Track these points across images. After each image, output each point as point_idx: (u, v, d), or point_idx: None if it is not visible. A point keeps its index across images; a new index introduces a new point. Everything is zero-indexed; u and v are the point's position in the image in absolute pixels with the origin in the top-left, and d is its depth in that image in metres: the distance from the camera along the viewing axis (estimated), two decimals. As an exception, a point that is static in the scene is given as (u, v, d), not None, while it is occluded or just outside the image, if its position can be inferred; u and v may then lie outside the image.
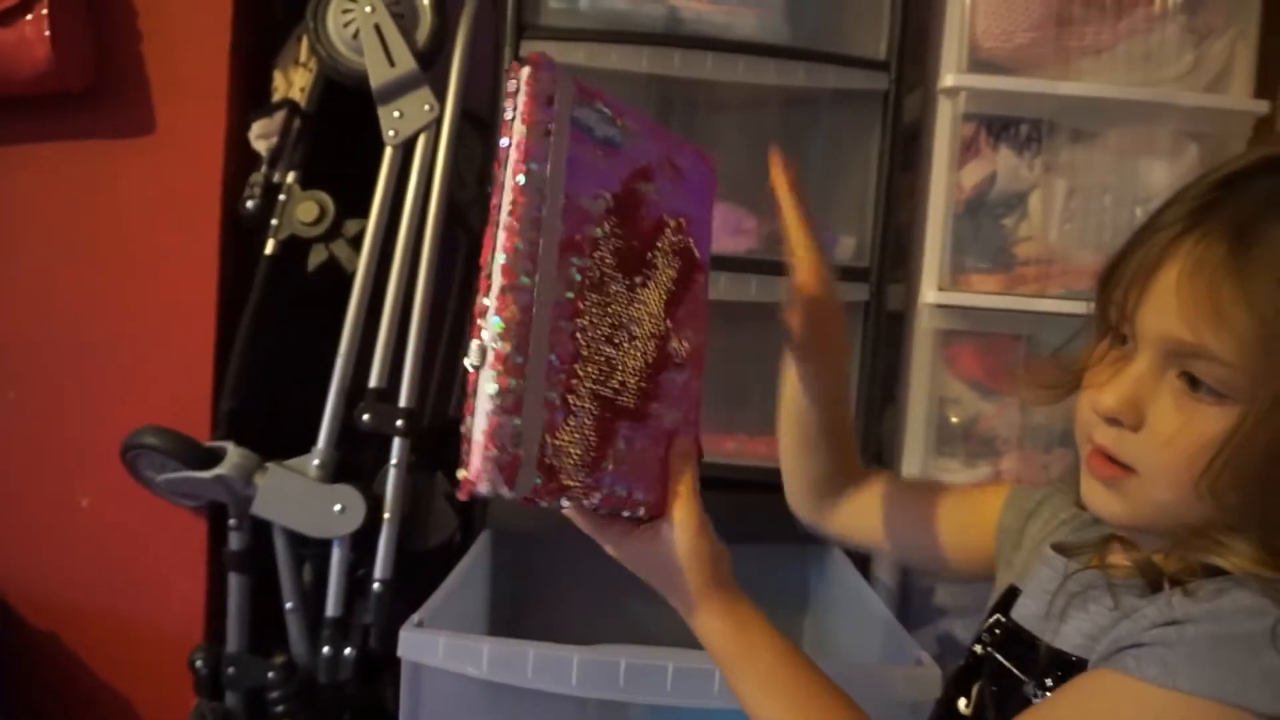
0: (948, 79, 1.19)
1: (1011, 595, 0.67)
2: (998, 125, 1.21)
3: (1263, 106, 1.21)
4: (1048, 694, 0.56)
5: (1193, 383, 0.50)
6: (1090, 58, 1.20)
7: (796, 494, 0.77)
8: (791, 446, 0.74)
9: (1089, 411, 0.55)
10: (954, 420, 1.21)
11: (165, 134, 1.21)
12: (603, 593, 1.31)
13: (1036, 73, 1.20)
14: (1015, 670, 0.60)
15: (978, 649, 0.66)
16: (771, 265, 1.19)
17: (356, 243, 1.19)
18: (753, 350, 1.25)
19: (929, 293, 1.20)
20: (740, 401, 1.24)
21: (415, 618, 0.89)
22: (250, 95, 1.25)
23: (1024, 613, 0.63)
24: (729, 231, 1.22)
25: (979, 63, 1.20)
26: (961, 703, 0.64)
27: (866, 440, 1.20)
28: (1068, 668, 0.55)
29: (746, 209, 1.22)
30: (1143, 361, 0.52)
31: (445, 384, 1.45)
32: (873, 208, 1.22)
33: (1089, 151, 1.20)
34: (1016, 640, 0.62)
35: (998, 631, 0.65)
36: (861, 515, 0.74)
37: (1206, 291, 0.49)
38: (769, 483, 1.18)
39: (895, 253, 1.23)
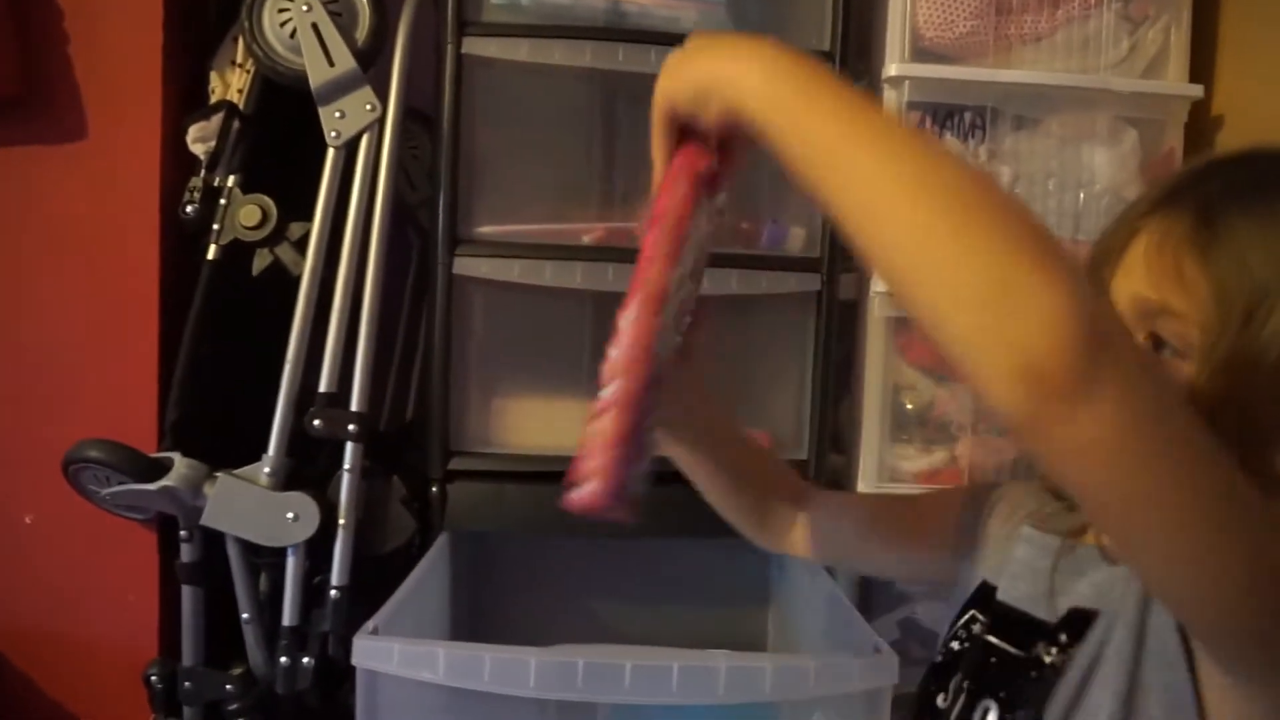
0: (891, 68, 1.20)
1: (984, 590, 0.67)
2: (942, 114, 1.22)
3: (1197, 90, 1.23)
4: (1061, 646, 0.57)
5: (1157, 344, 0.54)
6: (1030, 46, 1.22)
7: (744, 530, 0.78)
8: (712, 494, 0.74)
9: None
10: (909, 406, 1.22)
11: (98, 140, 1.18)
12: (565, 591, 1.31)
13: (978, 61, 1.22)
14: (1007, 645, 0.61)
15: (955, 645, 0.67)
16: (723, 258, 1.20)
17: (301, 246, 1.17)
18: (715, 346, 1.26)
19: (879, 281, 1.21)
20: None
21: (370, 625, 0.88)
22: (186, 98, 1.22)
23: (1015, 594, 0.63)
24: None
25: (921, 52, 1.21)
26: (940, 698, 0.65)
27: (823, 430, 1.21)
28: (1082, 618, 0.57)
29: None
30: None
31: (401, 387, 1.44)
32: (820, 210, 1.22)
33: (1031, 138, 1.22)
34: (1012, 623, 0.63)
35: (984, 620, 0.65)
36: (814, 534, 0.75)
37: (1171, 258, 0.53)
38: None
39: (846, 242, 1.23)
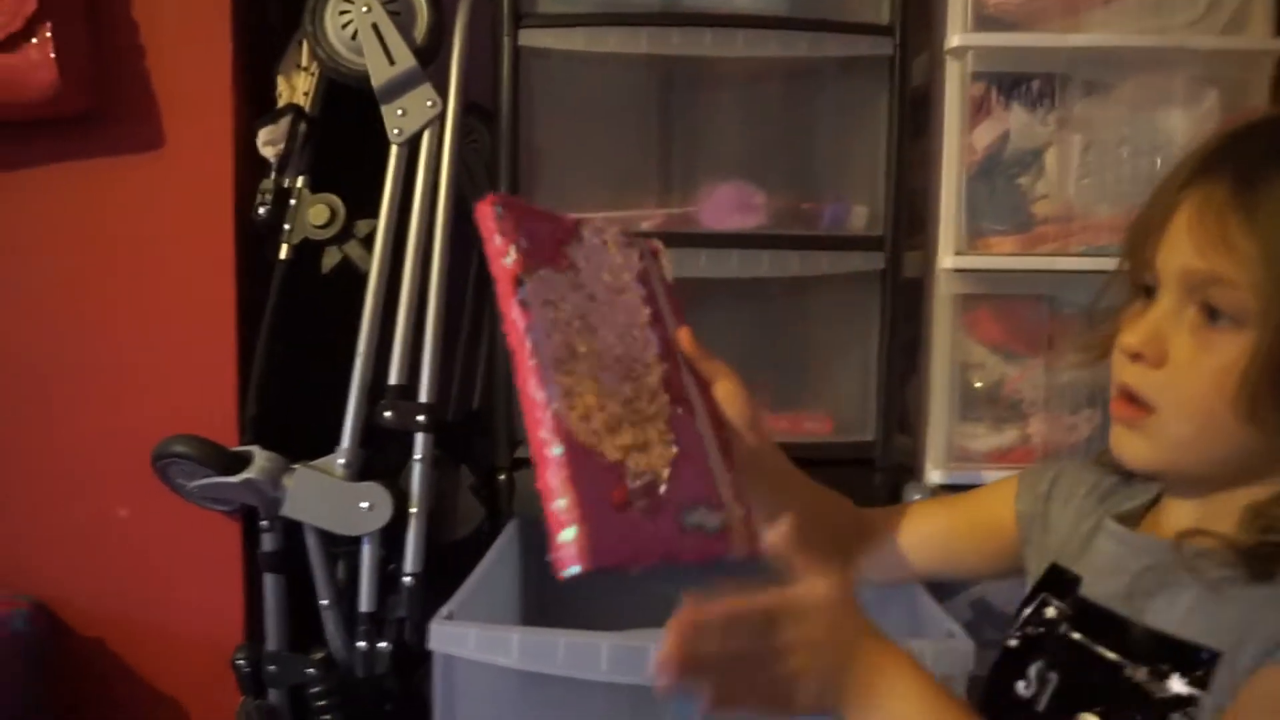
0: (954, 39, 1.17)
1: (1057, 574, 0.66)
2: (1008, 83, 1.19)
3: (1283, 45, 1.17)
4: (1163, 679, 0.55)
5: (1211, 314, 0.53)
6: (1099, 8, 1.17)
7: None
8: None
9: (1118, 358, 0.58)
10: (978, 385, 1.19)
11: (173, 148, 1.22)
12: (635, 575, 1.32)
13: (1044, 26, 1.18)
14: (1102, 650, 0.59)
15: (1030, 630, 0.65)
16: (784, 239, 1.19)
17: (369, 242, 1.20)
18: (766, 326, 1.25)
19: (946, 258, 1.18)
20: (759, 377, 1.22)
21: (445, 610, 0.89)
22: (255, 103, 1.26)
23: (1101, 592, 0.62)
24: (737, 209, 1.21)
25: (985, 20, 1.18)
26: (1020, 685, 0.63)
27: (890, 411, 1.19)
28: (1179, 651, 0.55)
29: (754, 184, 1.21)
30: (1164, 300, 0.55)
31: (467, 378, 1.46)
32: (884, 175, 1.20)
33: (1103, 104, 1.17)
34: (1095, 619, 0.61)
35: (1060, 607, 0.64)
36: (879, 561, 0.74)
37: (1216, 223, 0.52)
38: (792, 458, 1.19)
39: (910, 219, 1.21)
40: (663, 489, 0.54)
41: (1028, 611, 0.67)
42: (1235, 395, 0.52)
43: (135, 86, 1.22)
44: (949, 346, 1.18)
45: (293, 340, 1.22)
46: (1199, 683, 0.53)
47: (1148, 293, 0.57)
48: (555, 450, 0.50)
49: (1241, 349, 0.52)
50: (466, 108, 1.24)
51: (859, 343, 1.21)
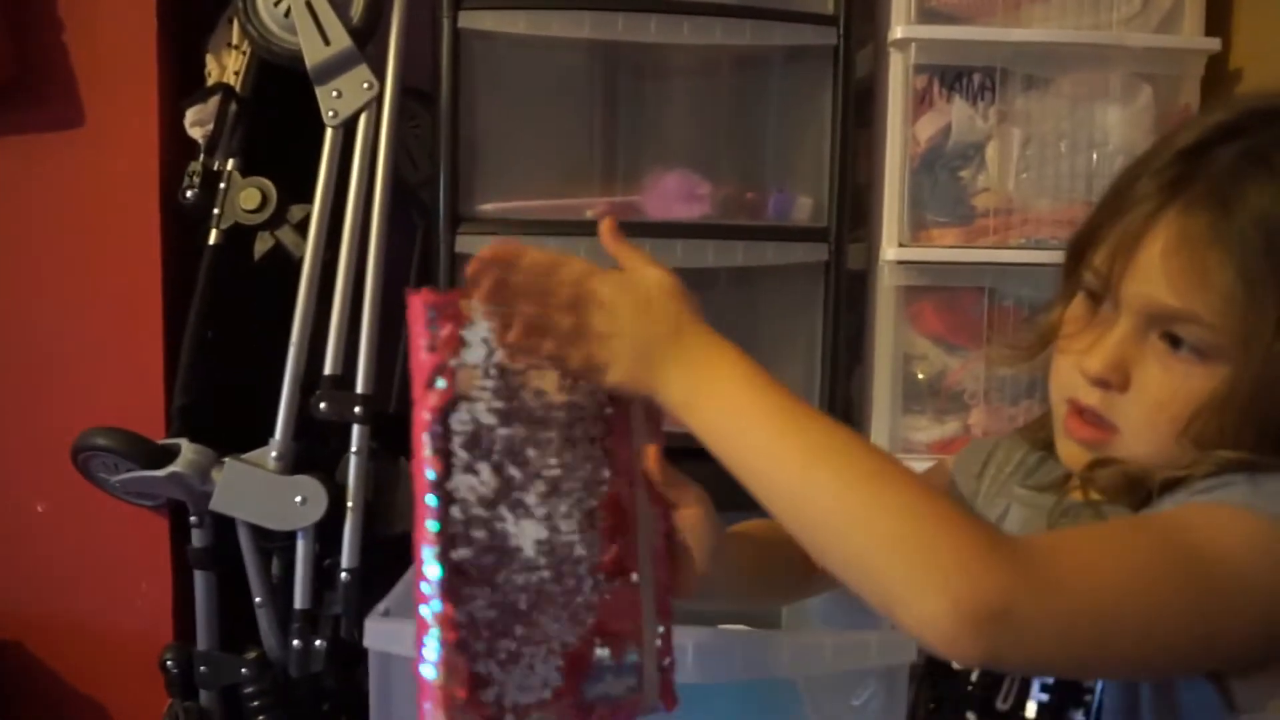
0: (897, 30, 1.17)
1: None
2: (950, 76, 1.20)
3: (1214, 44, 1.20)
4: None
5: (1174, 342, 0.53)
6: (1040, 4, 1.19)
7: (771, 604, 0.77)
8: (766, 600, 0.72)
9: (1071, 373, 0.57)
10: (920, 377, 1.20)
11: (95, 126, 1.17)
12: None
13: (986, 20, 1.19)
14: None
15: None
16: (729, 230, 1.19)
17: (303, 228, 1.16)
18: (711, 317, 1.24)
19: (889, 250, 1.19)
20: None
21: (381, 607, 0.87)
22: (183, 81, 1.21)
23: None
24: (681, 198, 1.20)
25: (928, 13, 1.19)
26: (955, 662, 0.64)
27: (834, 402, 1.19)
28: None
29: (699, 174, 1.20)
30: (1126, 325, 0.54)
31: (408, 368, 1.43)
32: (829, 166, 1.20)
33: (1043, 98, 1.19)
34: None
35: None
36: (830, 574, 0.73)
37: (1191, 260, 0.51)
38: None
39: (854, 211, 1.21)
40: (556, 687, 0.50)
41: None
42: (1201, 426, 0.52)
43: (54, 60, 1.16)
44: (892, 338, 1.19)
45: (223, 329, 1.18)
46: None
47: (1092, 297, 0.57)
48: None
49: (1207, 383, 0.52)
50: (407, 91, 1.20)
51: (804, 334, 1.21)
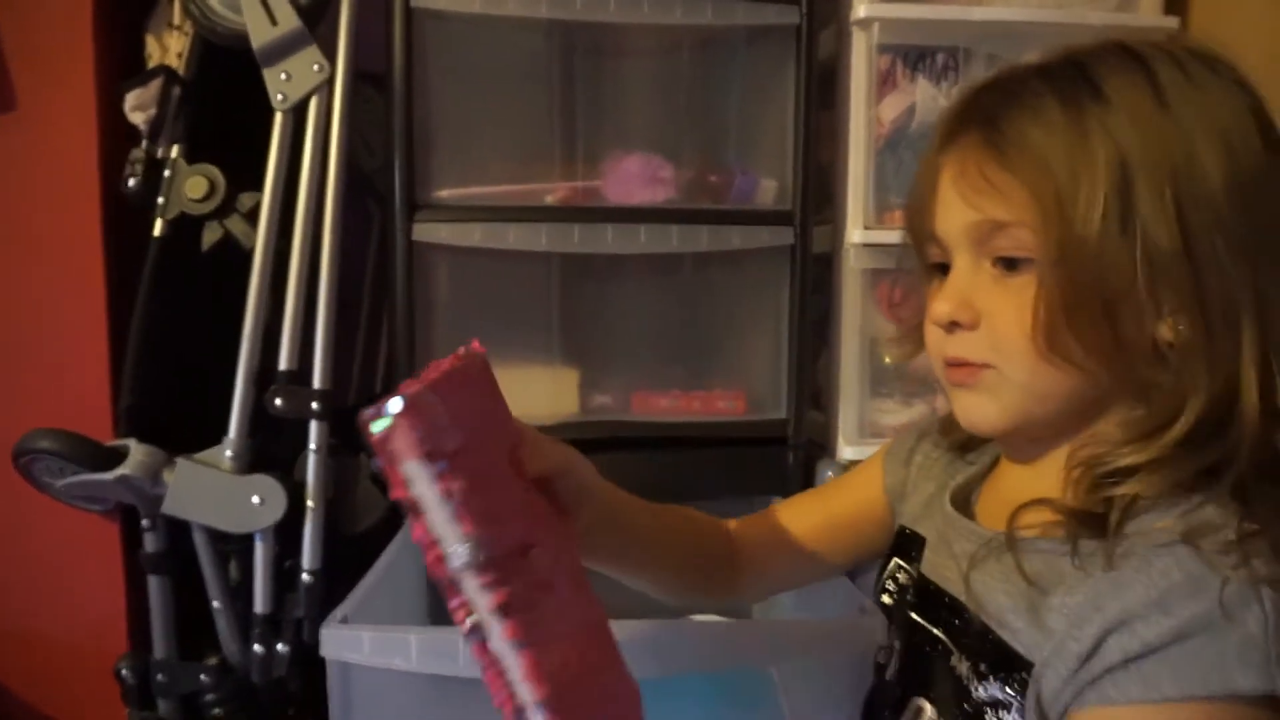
0: (860, 10, 1.16)
1: (906, 540, 0.67)
2: (914, 56, 1.18)
3: (1172, 23, 1.20)
4: (982, 678, 0.54)
5: (1007, 265, 0.54)
6: (1003, -19, 1.18)
7: (697, 600, 0.78)
8: (643, 579, 0.70)
9: (933, 333, 0.58)
10: (887, 360, 1.19)
11: (28, 110, 1.11)
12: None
13: (949, 0, 1.18)
14: (937, 632, 0.60)
15: (885, 598, 0.67)
16: (693, 214, 1.17)
17: (253, 217, 1.12)
18: (677, 303, 1.22)
19: (854, 232, 1.18)
20: (669, 357, 1.21)
21: (338, 613, 0.84)
22: (122, 64, 1.15)
23: (936, 572, 0.62)
24: (644, 182, 1.18)
25: (892, -9, 1.17)
26: (879, 652, 0.66)
27: (801, 388, 1.18)
28: (999, 650, 0.54)
29: (662, 156, 1.18)
30: (958, 263, 0.56)
31: (368, 359, 1.39)
32: (793, 148, 1.18)
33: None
34: (930, 596, 0.62)
35: (904, 582, 0.66)
36: (763, 575, 0.74)
37: (976, 174, 0.54)
38: (705, 438, 1.18)
39: (818, 193, 1.20)
40: None
41: (884, 577, 0.68)
42: (1047, 335, 0.52)
43: (-18, 43, 1.10)
44: (858, 322, 1.18)
45: (171, 324, 1.13)
46: (1016, 686, 0.52)
47: (943, 270, 0.58)
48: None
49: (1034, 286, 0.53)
50: (361, 75, 1.16)
51: (770, 318, 1.20)
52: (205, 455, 1.09)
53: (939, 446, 0.69)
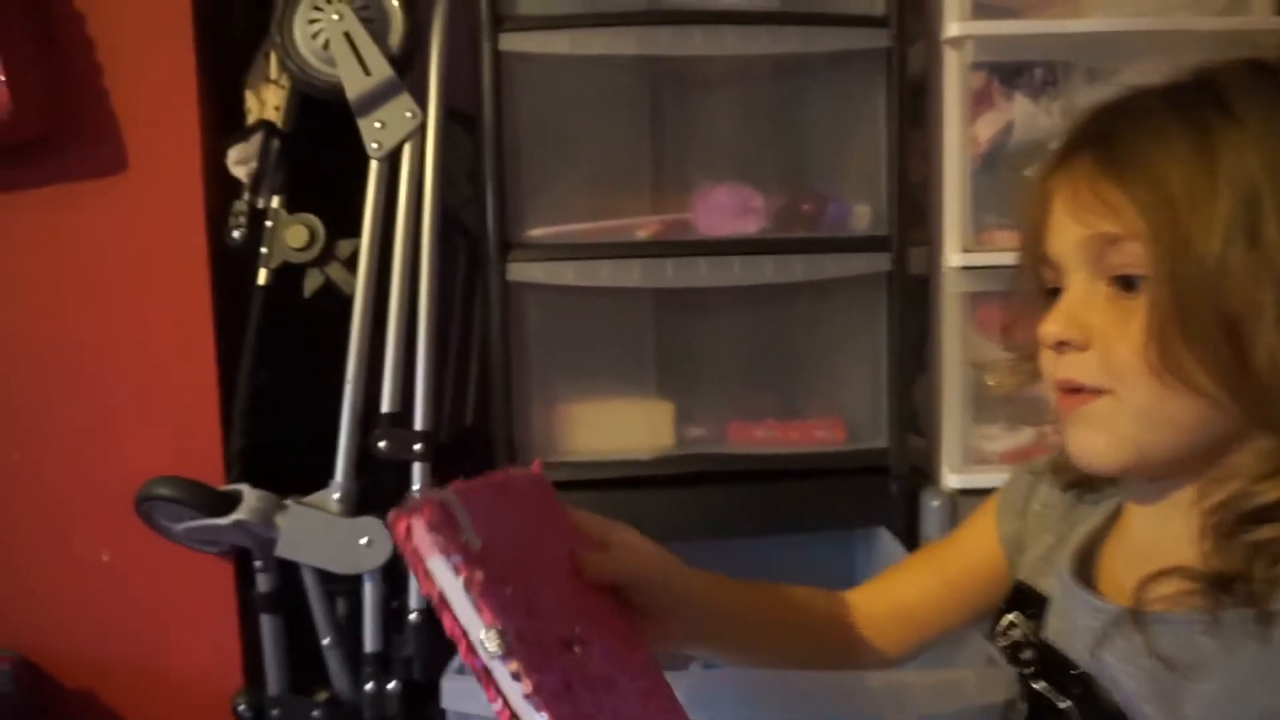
0: (952, 28, 1.13)
1: (1025, 596, 0.64)
2: (1009, 72, 1.15)
3: (1285, 23, 1.15)
4: None
5: (1124, 284, 0.52)
6: (1100, -9, 1.14)
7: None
8: (752, 662, 0.70)
9: (1045, 359, 0.56)
10: (990, 385, 1.16)
11: (137, 171, 1.15)
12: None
13: (1044, 13, 1.15)
14: (1064, 705, 0.56)
15: (1002, 649, 0.64)
16: (786, 243, 1.15)
17: (351, 263, 1.14)
18: (771, 332, 1.21)
19: (952, 255, 1.15)
20: (765, 387, 1.21)
21: (456, 663, 0.85)
22: (223, 120, 1.19)
23: (1062, 639, 0.59)
24: (734, 213, 1.17)
25: (983, 7, 1.14)
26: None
27: (901, 414, 1.16)
28: None
29: (751, 186, 1.17)
30: (1072, 283, 0.54)
31: (459, 393, 1.41)
32: (885, 171, 1.16)
33: (1107, 91, 1.14)
34: (1055, 664, 0.58)
35: (1019, 640, 0.62)
36: (885, 646, 0.71)
37: (1089, 192, 0.53)
38: (803, 469, 1.16)
39: (913, 216, 1.18)
40: None
41: (996, 632, 0.65)
42: (1159, 352, 0.50)
43: (94, 107, 1.14)
44: (959, 346, 1.15)
45: (276, 369, 1.16)
46: None
47: (1055, 295, 0.56)
48: None
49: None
50: (445, 115, 1.18)
51: (866, 345, 1.18)
52: (314, 498, 1.12)
53: (1054, 490, 0.65)
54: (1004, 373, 0.64)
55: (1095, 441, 0.53)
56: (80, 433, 1.19)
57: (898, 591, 0.71)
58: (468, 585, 0.45)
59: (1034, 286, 0.59)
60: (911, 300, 1.17)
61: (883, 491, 1.14)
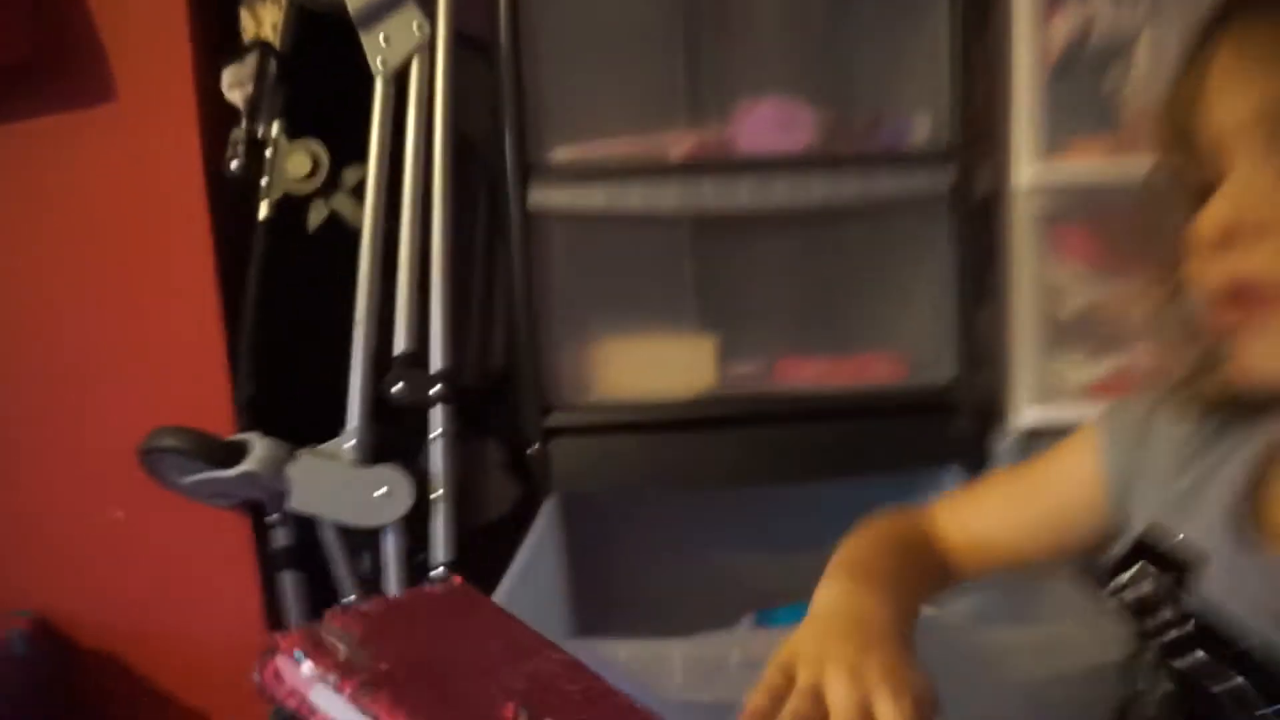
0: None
1: (1155, 545, 0.54)
2: (1088, -39, 1.02)
3: None
4: None
5: None
6: None
7: None
8: None
9: (1199, 266, 0.46)
10: (1067, 312, 1.05)
11: (127, 98, 1.07)
12: (691, 548, 1.19)
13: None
14: (1237, 678, 0.47)
15: (1129, 605, 0.54)
16: (837, 160, 1.04)
17: (359, 193, 1.05)
18: (823, 259, 1.10)
19: (1025, 170, 1.03)
20: (815, 320, 1.10)
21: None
22: (217, 41, 1.10)
23: (1229, 605, 0.49)
24: (780, 128, 1.06)
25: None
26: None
27: (969, 346, 1.06)
28: None
29: (799, 99, 1.05)
30: (1239, 166, 0.45)
31: (485, 336, 1.32)
32: (948, 76, 1.04)
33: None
34: (1216, 633, 0.49)
35: (1162, 606, 0.53)
36: (966, 574, 0.64)
37: (1271, 45, 0.44)
38: (860, 408, 1.06)
39: (980, 129, 1.05)
40: None
41: (1124, 578, 0.56)
42: None
43: (78, 30, 1.06)
44: (1033, 270, 1.04)
45: (283, 311, 1.08)
46: None
47: (1202, 198, 0.47)
48: None
49: None
50: (457, 39, 1.07)
51: (928, 272, 1.07)
52: (327, 447, 1.04)
53: (1179, 422, 0.56)
54: (1153, 286, 0.53)
55: (1272, 353, 0.45)
56: (83, 386, 1.13)
57: (980, 521, 0.64)
58: (354, 698, 0.42)
59: (1172, 187, 0.50)
60: (978, 221, 1.06)
61: (948, 430, 1.04)
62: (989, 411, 1.08)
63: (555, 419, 1.07)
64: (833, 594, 0.52)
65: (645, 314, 1.09)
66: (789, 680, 0.46)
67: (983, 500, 0.66)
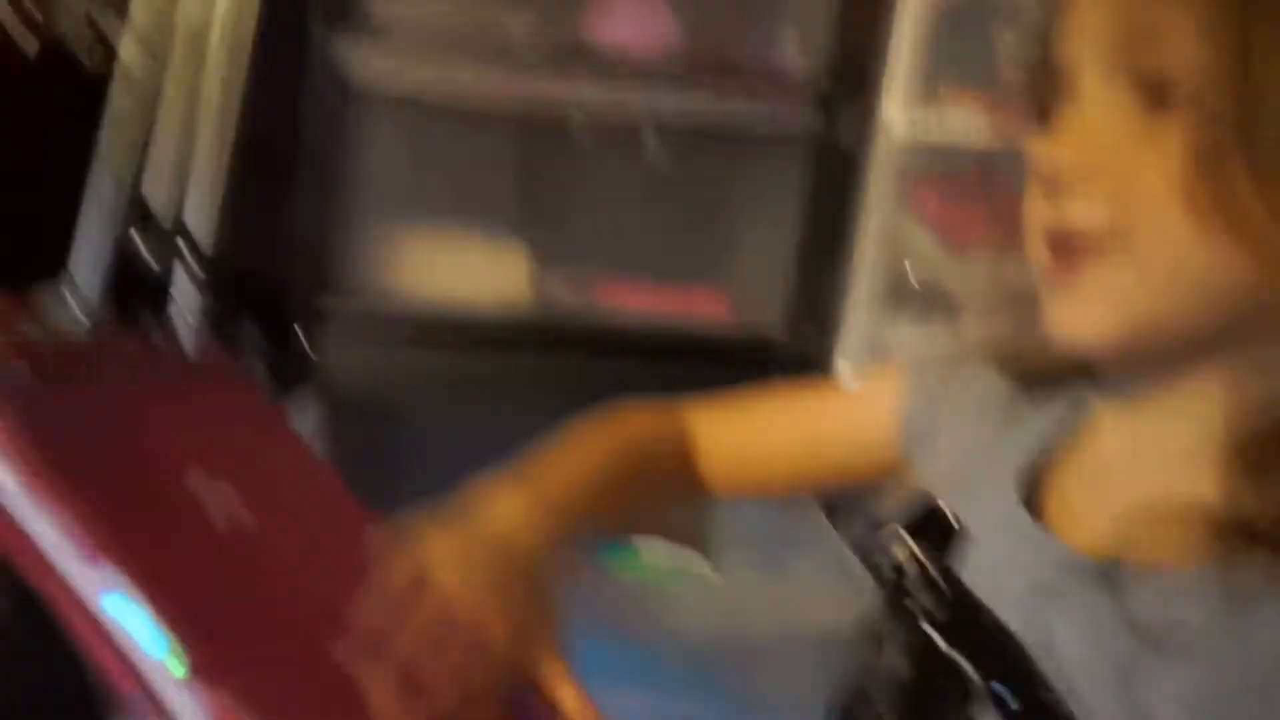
0: None
1: (932, 521, 0.47)
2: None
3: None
4: None
5: (1155, 96, 0.39)
6: None
7: None
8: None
9: (1034, 206, 0.41)
10: (910, 272, 1.01)
11: None
12: (484, 467, 1.09)
13: None
14: (970, 672, 0.42)
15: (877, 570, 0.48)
16: (691, 73, 0.95)
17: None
18: (662, 181, 1.02)
19: (896, 119, 0.98)
20: (643, 244, 1.02)
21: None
22: None
23: (987, 590, 0.44)
24: (637, 26, 0.98)
25: None
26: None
27: (805, 299, 1.00)
28: None
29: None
30: (1085, 95, 0.40)
31: (269, 207, 1.17)
32: (824, 13, 0.97)
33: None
34: (966, 616, 0.44)
35: (910, 573, 0.46)
36: (726, 488, 0.61)
37: None
38: (681, 345, 0.98)
39: (853, 63, 0.99)
40: None
41: (879, 543, 0.49)
42: (1212, 190, 0.37)
43: None
44: (885, 225, 1.00)
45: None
46: None
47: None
48: None
49: (1201, 129, 0.38)
50: None
51: (772, 210, 1.01)
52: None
53: (993, 382, 0.51)
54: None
55: (1091, 313, 0.40)
56: None
57: (748, 432, 0.60)
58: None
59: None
60: (836, 164, 1.00)
61: (766, 378, 0.98)
62: (813, 366, 1.03)
63: (332, 304, 0.93)
64: (498, 510, 0.48)
65: (452, 210, 0.99)
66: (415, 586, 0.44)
67: (757, 412, 0.61)
